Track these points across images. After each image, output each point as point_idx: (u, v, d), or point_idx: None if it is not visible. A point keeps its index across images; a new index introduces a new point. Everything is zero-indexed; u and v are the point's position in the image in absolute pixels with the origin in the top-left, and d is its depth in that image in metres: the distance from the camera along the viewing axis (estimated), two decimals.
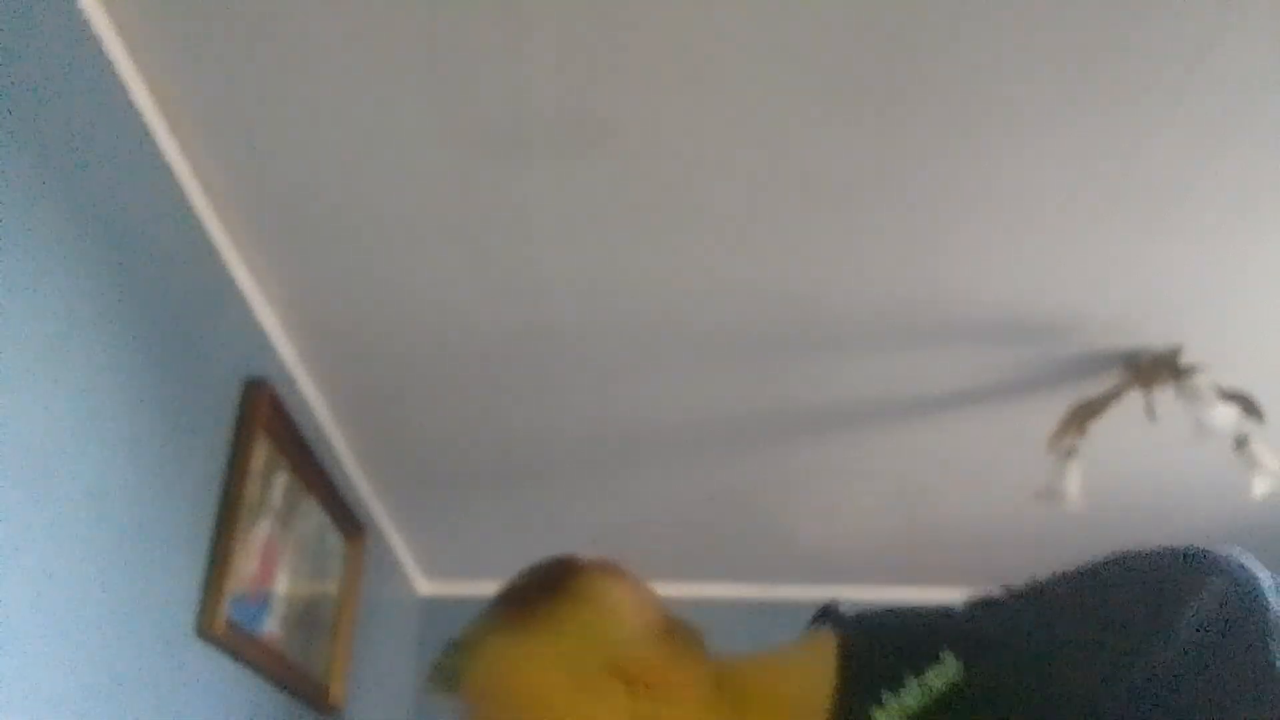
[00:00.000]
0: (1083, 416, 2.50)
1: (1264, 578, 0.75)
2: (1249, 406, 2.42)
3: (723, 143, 1.76)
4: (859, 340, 2.37)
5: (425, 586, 3.86)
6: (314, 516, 2.52)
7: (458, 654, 0.90)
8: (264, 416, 2.09)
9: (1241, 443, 2.52)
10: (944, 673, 0.68)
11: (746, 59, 1.58)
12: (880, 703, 0.70)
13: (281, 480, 2.26)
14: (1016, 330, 2.33)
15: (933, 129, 1.73)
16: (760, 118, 1.70)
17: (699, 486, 3.18)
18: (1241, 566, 0.75)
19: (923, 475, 3.09)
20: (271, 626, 2.22)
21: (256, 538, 2.10)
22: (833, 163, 1.81)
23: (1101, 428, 2.57)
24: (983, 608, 0.75)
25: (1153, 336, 2.34)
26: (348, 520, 2.77)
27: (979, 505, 3.31)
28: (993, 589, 0.77)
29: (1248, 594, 0.73)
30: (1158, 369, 2.39)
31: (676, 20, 1.51)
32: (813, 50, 1.57)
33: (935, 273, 2.12)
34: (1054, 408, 2.57)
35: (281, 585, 2.28)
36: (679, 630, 0.87)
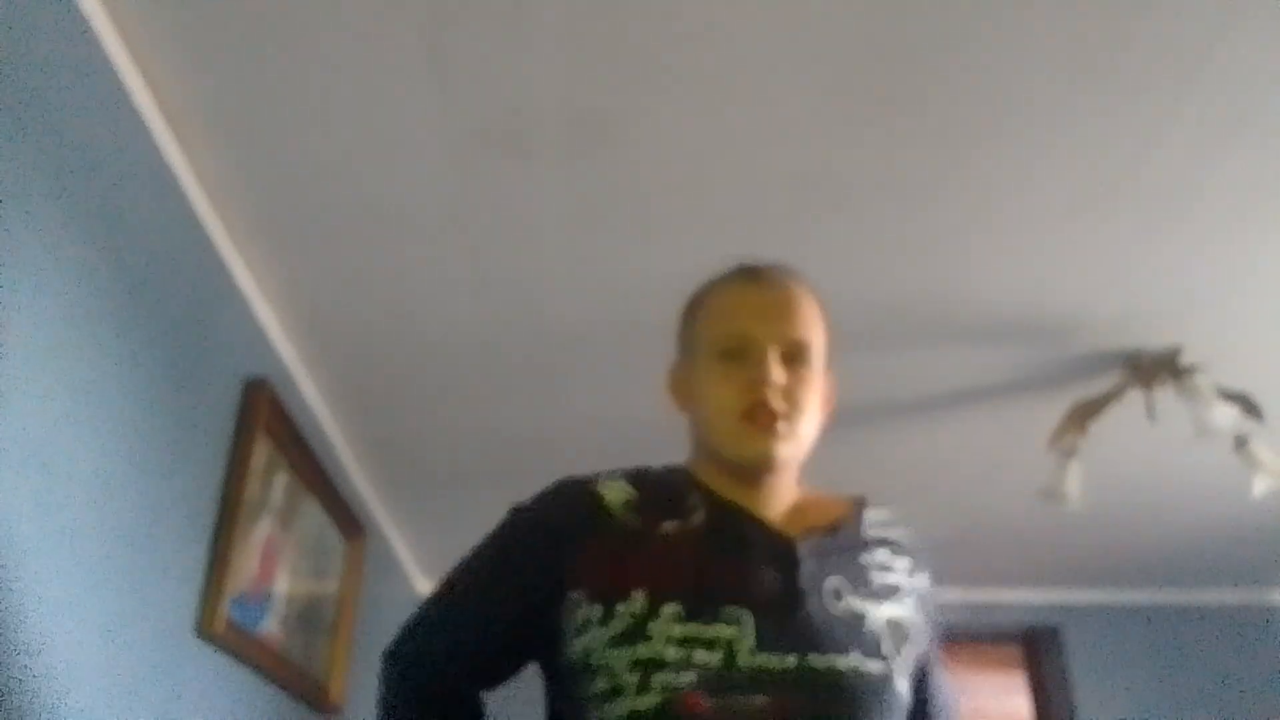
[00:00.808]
0: (1083, 416, 2.50)
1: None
2: (1249, 406, 2.42)
3: (724, 143, 1.75)
4: (859, 340, 2.37)
5: (425, 586, 3.86)
6: (314, 516, 2.52)
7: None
8: (264, 416, 2.09)
9: (1241, 443, 2.52)
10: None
11: (749, 59, 1.58)
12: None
13: (281, 480, 2.26)
14: (1017, 330, 2.33)
15: (935, 130, 1.73)
16: (762, 118, 1.70)
17: None
18: None
19: (923, 475, 3.09)
20: (271, 626, 2.22)
21: (256, 538, 2.10)
22: (834, 163, 1.81)
23: (1102, 428, 2.57)
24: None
25: (1153, 337, 2.34)
26: (348, 520, 2.77)
27: (980, 504, 3.31)
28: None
29: None
30: (1158, 369, 2.39)
31: (678, 21, 1.51)
32: (815, 51, 1.57)
33: (936, 273, 2.12)
34: (1054, 408, 2.57)
35: (281, 585, 2.28)
36: None
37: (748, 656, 0.92)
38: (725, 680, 0.91)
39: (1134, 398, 2.48)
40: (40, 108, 1.34)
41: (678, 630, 0.93)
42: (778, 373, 1.03)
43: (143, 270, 1.64)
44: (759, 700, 0.91)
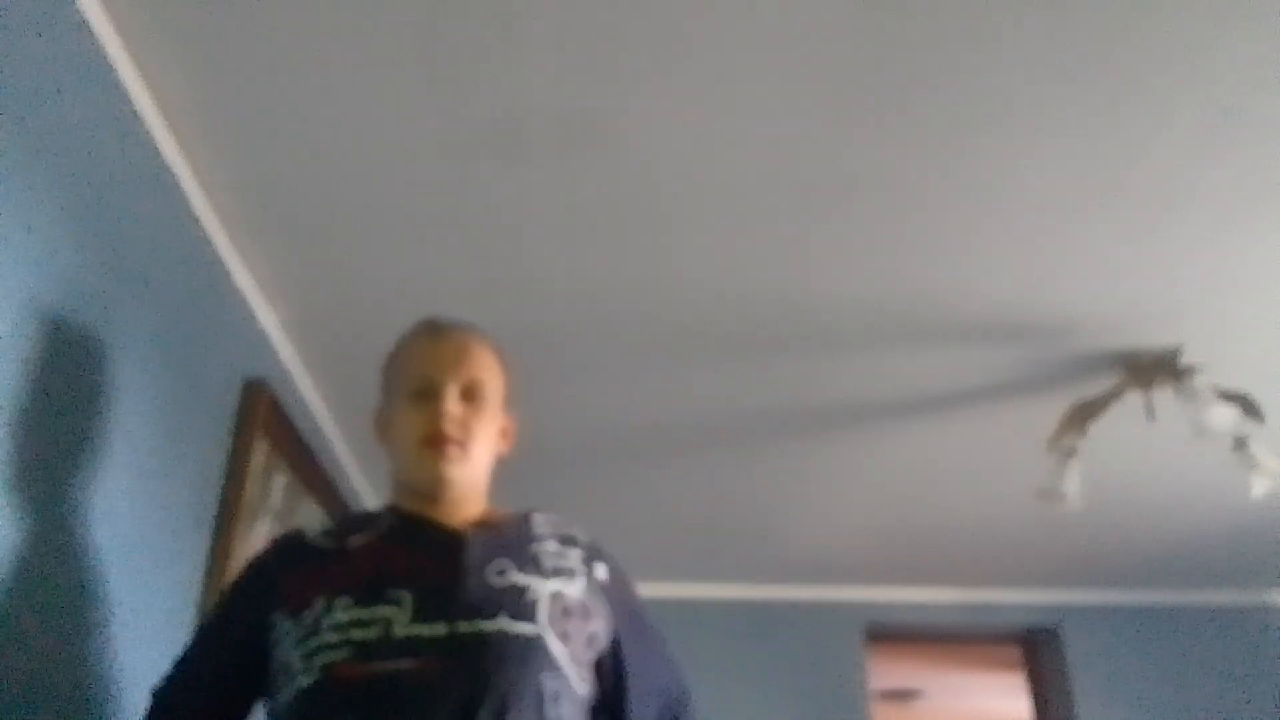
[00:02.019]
0: (1082, 417, 2.50)
1: None
2: (1248, 407, 2.42)
3: (720, 143, 1.76)
4: (858, 341, 2.37)
5: None
6: (313, 517, 2.52)
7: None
8: (263, 417, 2.09)
9: (1241, 443, 2.52)
10: None
11: (745, 60, 1.58)
12: None
13: (280, 481, 2.26)
14: (1016, 330, 2.33)
15: (932, 129, 1.73)
16: (759, 118, 1.70)
17: (697, 487, 3.18)
18: None
19: (922, 475, 3.09)
20: None
21: (256, 538, 2.10)
22: (831, 163, 1.81)
23: (1101, 428, 2.57)
24: None
25: (1152, 337, 2.35)
26: None
27: (979, 505, 3.32)
28: None
29: None
30: (1157, 369, 2.39)
31: (674, 23, 1.51)
32: (811, 51, 1.57)
33: (934, 273, 2.12)
34: (1053, 408, 2.57)
35: None
36: None
37: (403, 628, 1.08)
38: (377, 650, 1.06)
39: (1133, 398, 2.49)
40: (40, 108, 1.34)
41: (343, 617, 1.09)
42: (454, 406, 1.23)
43: (142, 271, 1.64)
44: (406, 663, 1.05)
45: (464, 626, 1.10)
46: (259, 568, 1.25)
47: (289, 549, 1.24)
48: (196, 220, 1.84)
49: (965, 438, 2.83)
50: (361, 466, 3.01)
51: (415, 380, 1.26)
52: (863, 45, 1.56)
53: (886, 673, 5.12)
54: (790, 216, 1.95)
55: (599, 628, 1.21)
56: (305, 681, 1.07)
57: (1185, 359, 2.38)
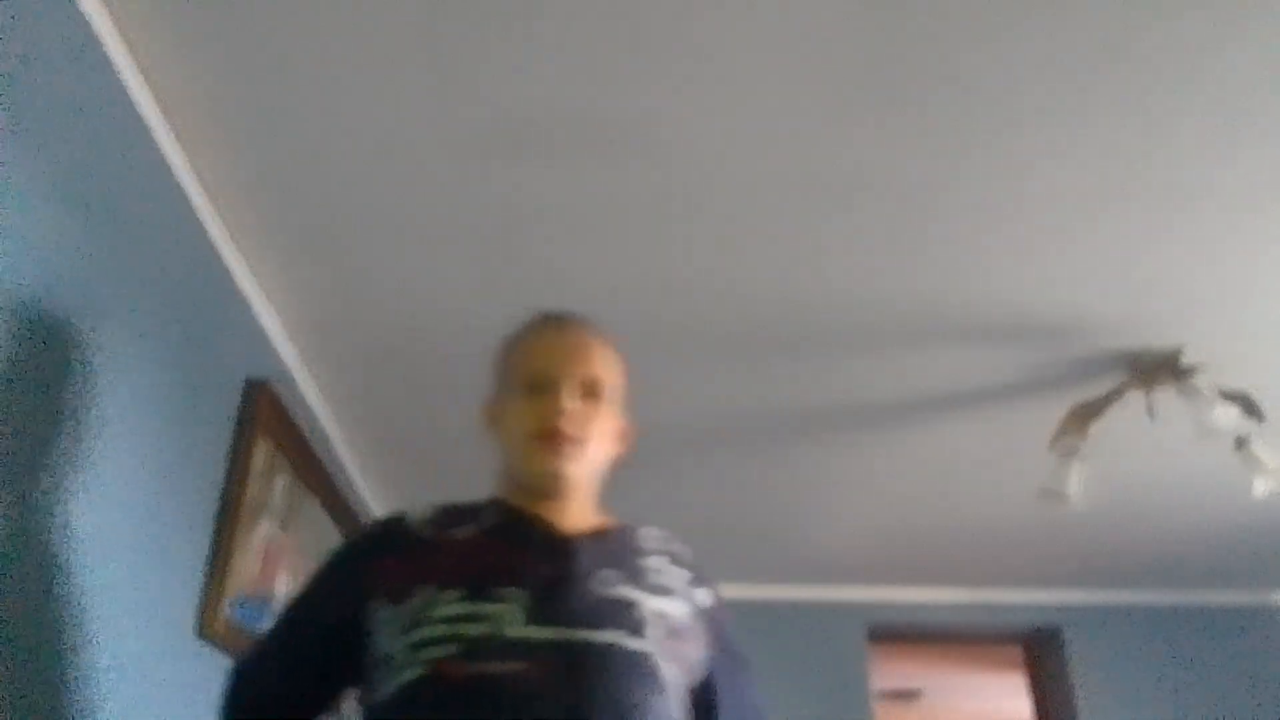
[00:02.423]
0: (1084, 417, 2.50)
1: None
2: (1249, 407, 2.42)
3: (728, 144, 1.75)
4: (861, 342, 2.37)
5: None
6: (315, 517, 2.52)
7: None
8: (265, 417, 2.09)
9: (1242, 443, 2.52)
10: None
11: (752, 60, 1.58)
12: None
13: (282, 481, 2.26)
14: (1018, 331, 2.33)
15: (940, 131, 1.73)
16: (764, 118, 1.70)
17: (698, 488, 3.18)
18: None
19: (923, 475, 3.09)
20: None
21: (257, 538, 2.10)
22: (836, 163, 1.81)
23: (1103, 428, 2.57)
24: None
25: (1154, 337, 2.34)
26: (348, 521, 2.77)
27: (981, 505, 3.31)
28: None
29: None
30: (1159, 369, 2.39)
31: (681, 21, 1.51)
32: (820, 52, 1.57)
33: (939, 274, 2.12)
34: (1055, 408, 2.57)
35: (282, 586, 2.28)
36: None
37: (513, 629, 1.05)
38: (486, 649, 1.03)
39: (1135, 398, 2.48)
40: (40, 108, 1.34)
41: (451, 611, 1.06)
42: (571, 402, 1.18)
43: (143, 272, 1.64)
44: (515, 666, 1.02)
45: (575, 635, 1.06)
46: (356, 551, 1.23)
47: (389, 534, 1.21)
48: (199, 221, 1.84)
49: (967, 438, 2.83)
50: (363, 466, 3.01)
51: (532, 373, 1.22)
52: (871, 47, 1.56)
53: (889, 672, 5.12)
54: (797, 217, 1.95)
55: (697, 655, 1.18)
56: (410, 675, 1.03)
57: (1187, 359, 2.38)
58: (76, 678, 1.43)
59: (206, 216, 1.87)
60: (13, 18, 1.27)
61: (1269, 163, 1.81)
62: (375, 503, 3.22)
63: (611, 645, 1.07)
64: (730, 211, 1.93)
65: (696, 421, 2.76)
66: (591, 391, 1.21)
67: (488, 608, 1.06)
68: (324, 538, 2.60)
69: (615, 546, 1.20)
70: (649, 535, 1.26)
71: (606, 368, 1.25)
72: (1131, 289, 2.18)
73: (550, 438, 1.17)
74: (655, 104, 1.67)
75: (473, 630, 1.04)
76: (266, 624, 2.15)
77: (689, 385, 2.57)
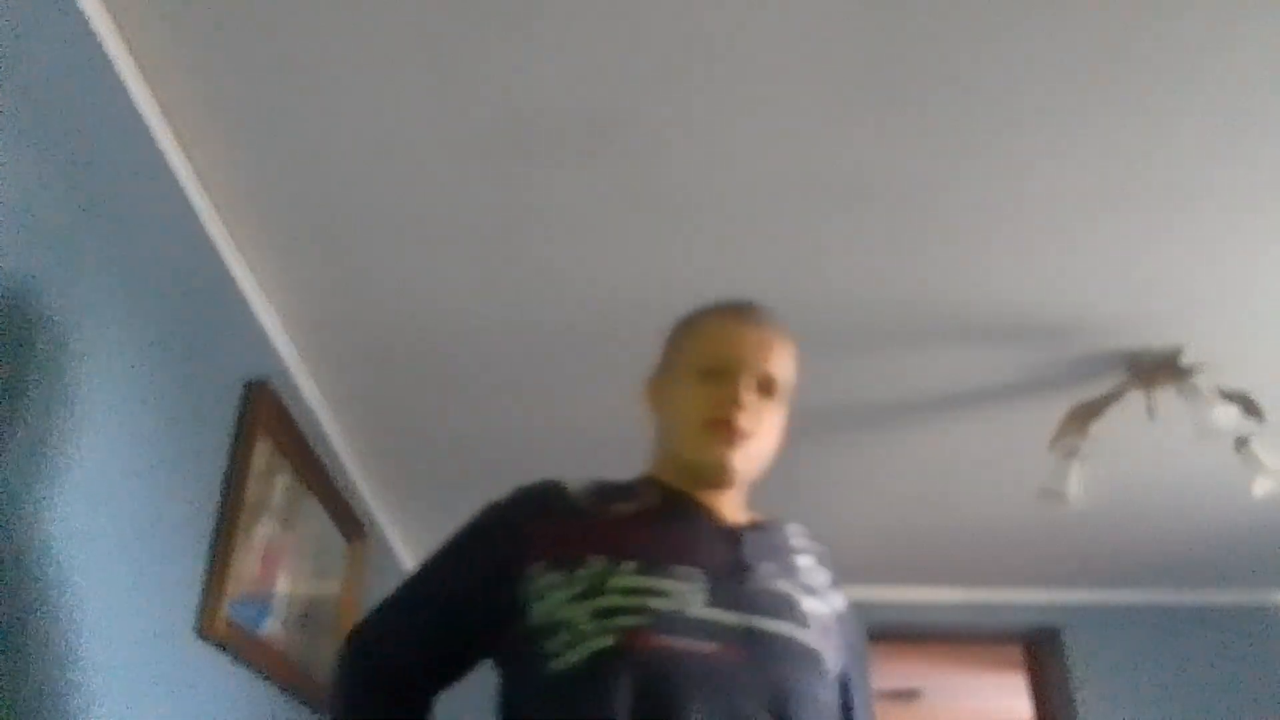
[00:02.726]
0: (1084, 417, 2.50)
1: None
2: (1249, 406, 2.42)
3: (730, 144, 1.76)
4: (861, 342, 2.37)
5: None
6: (315, 517, 2.52)
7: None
8: (265, 417, 2.09)
9: (1242, 443, 2.52)
10: None
11: (755, 61, 1.58)
12: None
13: (282, 481, 2.26)
14: (1018, 331, 2.33)
15: (937, 131, 1.73)
16: (765, 119, 1.70)
17: None
18: None
19: (923, 475, 3.09)
20: (273, 627, 2.22)
21: (258, 538, 2.10)
22: (837, 164, 1.81)
23: (1103, 428, 2.57)
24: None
25: (1154, 337, 2.34)
26: (349, 521, 2.77)
27: (981, 505, 3.31)
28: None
29: None
30: (1159, 369, 2.39)
31: (683, 24, 1.51)
32: (819, 54, 1.57)
33: (938, 274, 2.12)
34: (1055, 408, 2.57)
35: (283, 586, 2.28)
36: None
37: (697, 609, 1.03)
38: (675, 624, 1.01)
39: (1135, 398, 2.49)
40: (40, 108, 1.34)
41: (632, 583, 1.03)
42: (748, 395, 1.14)
43: (144, 271, 1.64)
44: (706, 645, 1.00)
45: (758, 622, 1.05)
46: (506, 514, 1.16)
47: (544, 499, 1.15)
48: (199, 220, 1.84)
49: (967, 438, 2.83)
50: (363, 466, 3.01)
51: (711, 358, 1.17)
52: (871, 47, 1.56)
53: (889, 672, 5.12)
54: (797, 217, 1.95)
55: (837, 655, 1.16)
56: (601, 643, 0.99)
57: (1187, 359, 2.38)
58: (76, 677, 1.43)
59: (206, 216, 1.87)
60: (12, 17, 1.27)
61: (1269, 162, 1.81)
62: (375, 502, 3.22)
63: (790, 637, 1.06)
64: (730, 212, 1.93)
65: None
66: (767, 388, 1.17)
67: (667, 584, 1.04)
68: (324, 537, 2.60)
69: (773, 541, 1.18)
70: (797, 532, 1.25)
71: (785, 366, 1.21)
72: (1132, 289, 2.18)
73: (722, 428, 1.13)
74: (656, 104, 1.67)
75: (659, 604, 1.01)
76: (269, 626, 2.16)
77: None
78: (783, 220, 1.96)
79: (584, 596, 1.02)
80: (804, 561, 1.20)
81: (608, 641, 0.99)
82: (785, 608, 1.09)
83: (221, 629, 1.86)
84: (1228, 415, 2.29)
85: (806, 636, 1.08)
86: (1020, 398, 2.61)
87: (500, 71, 1.60)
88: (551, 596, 1.04)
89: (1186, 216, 1.96)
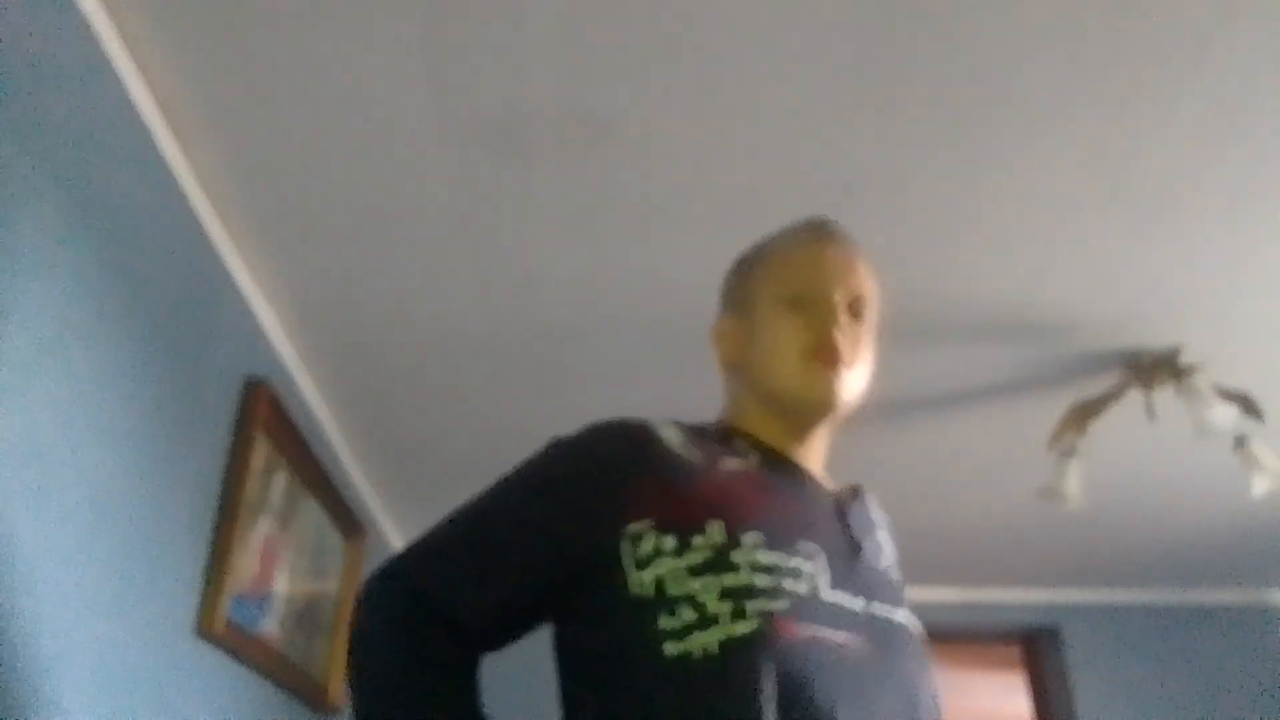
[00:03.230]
0: (1083, 416, 2.50)
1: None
2: (1249, 406, 2.42)
3: (722, 142, 1.75)
4: None
5: None
6: (313, 516, 2.52)
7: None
8: (263, 416, 2.09)
9: (1241, 443, 2.52)
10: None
11: (746, 58, 1.58)
12: None
13: (281, 480, 2.26)
14: (1017, 330, 2.33)
15: (933, 129, 1.73)
16: (760, 117, 1.70)
17: None
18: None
19: (922, 474, 3.09)
20: (271, 626, 2.22)
21: (256, 537, 2.10)
22: (832, 163, 1.81)
23: (1101, 427, 2.57)
24: None
25: (1153, 336, 2.34)
26: (347, 520, 2.77)
27: (980, 505, 3.31)
28: None
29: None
30: (1158, 369, 2.39)
31: (676, 19, 1.51)
32: (812, 52, 1.57)
33: (935, 273, 2.12)
34: (1054, 407, 2.57)
35: (281, 585, 2.28)
36: None
37: (828, 591, 0.91)
38: (811, 610, 0.88)
39: (1133, 398, 2.48)
40: (40, 108, 1.34)
41: (762, 558, 0.88)
42: (844, 320, 1.04)
43: (142, 270, 1.64)
44: (840, 635, 0.88)
45: (878, 609, 0.94)
46: (603, 456, 0.97)
47: (642, 445, 0.97)
48: (196, 219, 1.84)
49: (967, 438, 2.83)
50: (362, 466, 3.01)
51: (794, 286, 1.06)
52: (866, 47, 1.56)
53: None
54: (792, 215, 1.94)
55: None
56: (740, 630, 0.84)
57: (1186, 358, 2.38)
58: (74, 676, 1.42)
59: (206, 216, 1.86)
60: (13, 18, 1.27)
61: (1270, 161, 1.81)
62: (374, 502, 3.22)
63: (905, 625, 0.97)
64: (723, 211, 1.93)
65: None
66: (857, 310, 1.08)
67: (797, 563, 0.90)
68: (322, 536, 2.60)
69: (865, 513, 1.08)
70: (874, 503, 1.14)
71: (871, 285, 1.12)
72: (1131, 288, 2.18)
73: (827, 356, 1.01)
74: (648, 103, 1.67)
75: (795, 586, 0.88)
76: (267, 625, 2.16)
77: (686, 386, 2.57)
78: (780, 220, 1.95)
79: (709, 569, 0.87)
80: (884, 537, 1.10)
81: (747, 628, 0.84)
82: (892, 591, 1.00)
83: (220, 628, 1.86)
84: (1227, 415, 2.29)
85: (914, 624, 0.99)
86: (1019, 397, 2.61)
87: (499, 72, 1.59)
88: (662, 564, 0.88)
89: (1186, 216, 1.95)
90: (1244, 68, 1.60)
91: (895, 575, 1.05)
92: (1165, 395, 2.45)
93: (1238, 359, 2.41)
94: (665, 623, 0.86)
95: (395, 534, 3.49)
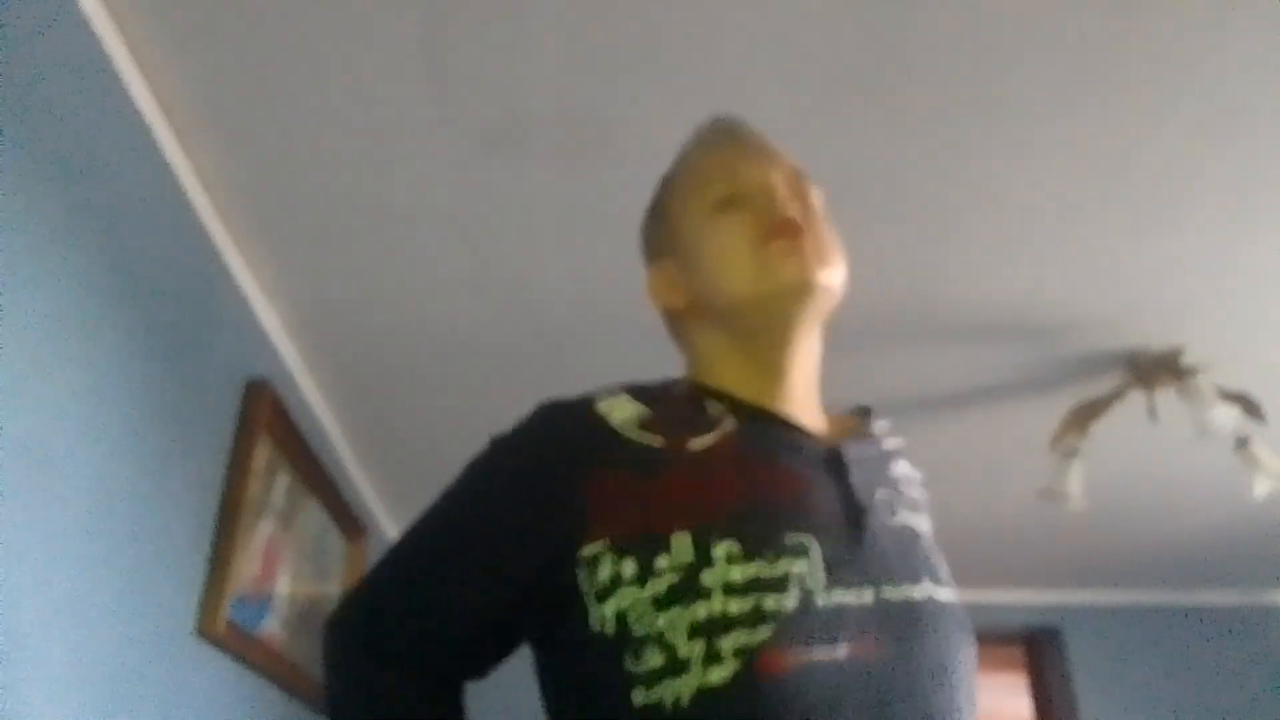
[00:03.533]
0: (1084, 417, 2.50)
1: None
2: (1249, 407, 2.42)
3: None
4: (859, 342, 2.37)
5: None
6: (315, 516, 2.52)
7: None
8: (265, 417, 2.09)
9: (1242, 443, 2.52)
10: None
11: (744, 62, 1.58)
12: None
13: (282, 481, 2.26)
14: (1017, 331, 2.33)
15: (932, 129, 1.73)
16: (758, 118, 1.69)
17: None
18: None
19: (925, 475, 3.08)
20: (272, 626, 2.22)
21: (258, 538, 2.10)
22: (831, 164, 1.81)
23: (1103, 428, 2.57)
24: None
25: (1154, 337, 2.34)
26: (349, 520, 2.77)
27: (981, 505, 3.31)
28: None
29: None
30: (1159, 369, 2.39)
31: (675, 20, 1.51)
32: (810, 54, 1.57)
33: (935, 273, 2.12)
34: (1056, 408, 2.57)
35: (283, 585, 2.28)
36: None
37: (824, 595, 0.74)
38: (804, 628, 0.72)
39: (1135, 398, 2.48)
40: (40, 108, 1.34)
41: (738, 574, 0.73)
42: (788, 196, 0.89)
43: (143, 271, 1.64)
44: (841, 650, 0.72)
45: (891, 593, 0.77)
46: (546, 463, 0.83)
47: (593, 438, 0.83)
48: (198, 220, 1.84)
49: (967, 438, 2.83)
50: (363, 466, 3.01)
51: (719, 189, 0.91)
52: (865, 46, 1.56)
53: None
54: None
55: None
56: (717, 677, 0.70)
57: (1187, 359, 2.38)
58: (75, 677, 1.43)
59: (206, 216, 1.87)
60: (13, 18, 1.27)
61: (1268, 159, 1.81)
62: (375, 502, 3.22)
63: (929, 600, 0.80)
64: None
65: None
66: (802, 192, 0.92)
67: (783, 566, 0.74)
68: (324, 537, 2.60)
69: (871, 452, 0.90)
70: (886, 429, 0.97)
71: (801, 165, 0.96)
72: (1132, 288, 2.18)
73: (783, 228, 0.85)
74: (651, 105, 1.67)
75: (779, 604, 0.72)
76: (268, 625, 2.16)
77: None
78: None
79: (676, 600, 0.73)
80: (902, 468, 0.94)
81: (723, 674, 0.70)
82: (915, 556, 0.83)
83: (221, 628, 1.86)
84: (1228, 415, 2.29)
85: (945, 592, 0.82)
86: (1020, 398, 2.61)
87: (500, 73, 1.60)
88: (624, 595, 0.75)
89: (1187, 216, 1.95)
90: (1243, 67, 1.60)
91: (916, 524, 0.87)
92: (1166, 396, 2.45)
93: (1239, 359, 2.41)
94: (631, 665, 0.73)
95: (396, 534, 3.49)
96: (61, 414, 1.39)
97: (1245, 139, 1.76)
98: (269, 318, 2.21)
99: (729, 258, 0.87)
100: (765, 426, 0.85)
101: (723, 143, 0.96)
